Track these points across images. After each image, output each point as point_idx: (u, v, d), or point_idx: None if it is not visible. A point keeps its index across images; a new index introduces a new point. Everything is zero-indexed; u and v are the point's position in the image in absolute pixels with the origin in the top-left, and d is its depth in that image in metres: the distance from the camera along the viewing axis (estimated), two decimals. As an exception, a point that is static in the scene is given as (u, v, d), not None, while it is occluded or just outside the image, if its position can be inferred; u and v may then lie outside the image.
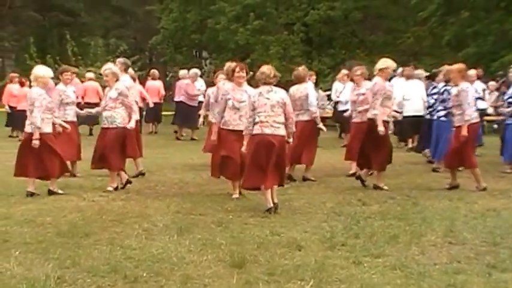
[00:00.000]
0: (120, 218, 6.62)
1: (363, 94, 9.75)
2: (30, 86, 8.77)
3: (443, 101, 9.98)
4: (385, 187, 8.55)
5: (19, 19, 36.47)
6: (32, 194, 7.81)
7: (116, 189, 8.32)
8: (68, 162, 8.87)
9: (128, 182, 8.50)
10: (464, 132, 8.32)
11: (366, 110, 9.46)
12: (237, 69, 7.95)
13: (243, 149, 7.21)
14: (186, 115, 16.17)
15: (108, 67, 8.68)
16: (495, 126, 10.72)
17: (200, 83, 17.04)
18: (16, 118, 14.77)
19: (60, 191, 8.01)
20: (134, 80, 14.65)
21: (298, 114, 9.33)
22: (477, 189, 8.45)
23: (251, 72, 8.35)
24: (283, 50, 24.39)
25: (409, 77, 13.15)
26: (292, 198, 7.62)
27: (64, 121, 8.75)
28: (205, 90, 13.14)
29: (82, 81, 16.98)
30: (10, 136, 16.35)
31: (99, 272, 4.76)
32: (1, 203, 7.41)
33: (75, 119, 9.56)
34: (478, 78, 13.77)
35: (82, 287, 4.51)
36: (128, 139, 8.69)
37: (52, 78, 8.33)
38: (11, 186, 8.21)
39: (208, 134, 9.72)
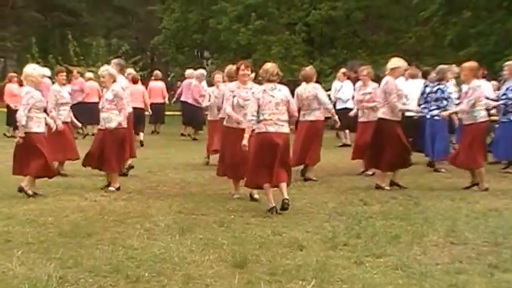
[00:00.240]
0: (122, 218, 6.63)
1: (369, 93, 9.81)
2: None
3: (436, 99, 9.97)
4: (387, 187, 8.55)
5: (21, 19, 36.52)
6: (34, 194, 7.83)
7: (118, 189, 8.33)
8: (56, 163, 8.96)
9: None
10: (473, 130, 8.33)
11: (372, 109, 9.51)
12: (242, 67, 7.86)
13: (244, 142, 7.00)
14: (191, 115, 16.24)
15: (105, 68, 8.73)
16: (496, 126, 10.68)
17: (202, 84, 17.05)
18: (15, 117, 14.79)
19: (30, 192, 7.75)
20: (137, 81, 14.77)
21: (304, 114, 9.37)
22: (479, 189, 8.44)
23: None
24: (285, 50, 24.36)
25: (413, 77, 13.15)
26: (294, 198, 7.62)
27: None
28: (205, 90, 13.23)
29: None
30: (4, 134, 16.35)
31: (101, 272, 4.77)
32: (3, 203, 7.42)
33: (68, 120, 9.67)
34: (483, 77, 13.77)
35: (84, 287, 4.51)
36: (126, 140, 8.73)
37: (50, 78, 8.36)
38: (13, 186, 8.21)
39: (209, 133, 9.75)
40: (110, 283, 4.57)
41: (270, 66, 7.19)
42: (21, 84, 15.47)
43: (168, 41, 29.09)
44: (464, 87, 8.68)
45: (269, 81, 7.10)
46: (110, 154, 8.32)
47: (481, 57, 19.07)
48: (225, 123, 8.00)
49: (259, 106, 6.99)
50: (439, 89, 10.00)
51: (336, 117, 9.70)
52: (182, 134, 16.89)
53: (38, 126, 7.82)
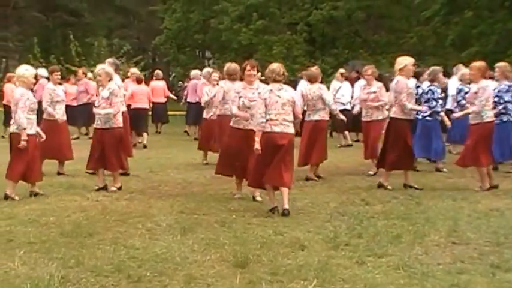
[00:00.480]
0: (123, 218, 6.63)
1: (374, 92, 9.82)
2: None
3: (427, 100, 9.96)
4: (389, 186, 8.54)
5: (23, 19, 36.55)
6: (35, 194, 7.85)
7: (119, 188, 8.34)
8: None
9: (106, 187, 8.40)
10: (480, 130, 8.34)
11: (376, 108, 9.53)
12: (248, 67, 7.73)
13: (256, 146, 6.91)
14: (199, 115, 16.24)
15: (102, 67, 8.75)
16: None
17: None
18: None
19: (16, 198, 7.62)
20: (141, 81, 14.78)
21: (309, 114, 9.39)
22: (481, 189, 8.43)
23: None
24: (286, 50, 24.35)
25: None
26: (296, 198, 7.62)
27: (53, 119, 8.91)
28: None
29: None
30: (2, 137, 16.32)
31: (102, 272, 4.77)
32: (5, 203, 7.43)
33: (64, 118, 9.67)
34: (490, 77, 13.76)
35: (86, 287, 4.52)
36: (123, 139, 8.74)
37: (48, 78, 8.38)
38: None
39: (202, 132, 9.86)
40: (112, 283, 4.58)
41: (276, 66, 7.15)
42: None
43: (170, 41, 29.08)
44: (473, 87, 8.67)
45: (275, 81, 7.05)
46: (109, 153, 8.31)
47: (483, 57, 19.04)
48: (232, 124, 7.93)
49: (266, 106, 6.95)
50: (430, 89, 10.01)
51: (342, 116, 9.73)
52: (186, 132, 17.18)
53: (30, 128, 7.72)
